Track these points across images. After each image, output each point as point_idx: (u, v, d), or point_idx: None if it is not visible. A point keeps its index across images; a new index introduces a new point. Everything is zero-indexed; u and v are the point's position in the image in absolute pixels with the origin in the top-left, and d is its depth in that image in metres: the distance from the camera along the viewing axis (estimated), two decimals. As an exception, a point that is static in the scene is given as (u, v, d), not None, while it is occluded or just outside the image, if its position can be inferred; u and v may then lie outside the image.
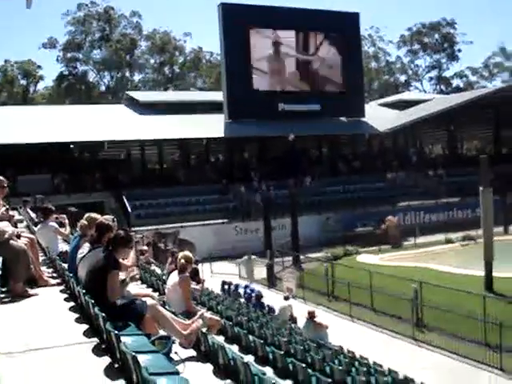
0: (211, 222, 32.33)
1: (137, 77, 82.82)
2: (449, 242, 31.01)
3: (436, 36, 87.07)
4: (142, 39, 79.91)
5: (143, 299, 6.31)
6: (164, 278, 11.52)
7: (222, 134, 38.87)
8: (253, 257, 25.73)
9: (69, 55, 75.43)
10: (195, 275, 13.72)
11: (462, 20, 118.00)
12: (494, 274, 20.63)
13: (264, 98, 39.36)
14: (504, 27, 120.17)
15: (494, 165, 32.03)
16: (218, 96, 42.78)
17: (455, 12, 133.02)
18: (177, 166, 44.19)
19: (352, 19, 44.60)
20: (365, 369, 9.75)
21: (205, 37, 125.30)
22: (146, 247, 17.92)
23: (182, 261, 8.36)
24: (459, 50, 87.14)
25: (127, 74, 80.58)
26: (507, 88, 46.15)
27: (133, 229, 27.05)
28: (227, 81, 40.14)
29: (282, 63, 41.25)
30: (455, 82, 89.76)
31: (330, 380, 6.87)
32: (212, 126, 38.35)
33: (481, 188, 22.32)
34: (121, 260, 6.44)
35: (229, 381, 5.48)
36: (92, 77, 79.13)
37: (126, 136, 36.80)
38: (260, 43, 40.67)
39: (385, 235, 32.19)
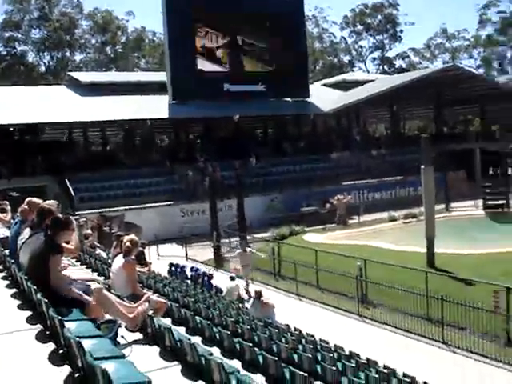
0: (157, 204, 32.05)
1: (78, 57, 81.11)
2: (392, 219, 31.59)
3: (379, 17, 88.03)
4: (83, 18, 78.12)
5: (87, 283, 6.24)
6: (109, 261, 11.39)
7: (166, 115, 38.50)
8: (248, 249, 22.24)
9: (6, 35, 73.07)
10: (141, 258, 13.67)
11: (404, 1, 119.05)
12: (436, 250, 21.14)
13: (208, 78, 39.06)
14: (446, 8, 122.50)
15: (436, 144, 32.80)
16: (162, 76, 42.25)
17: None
18: (121, 148, 43.56)
19: (296, 0, 44.60)
20: (311, 346, 9.90)
21: (148, 16, 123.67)
22: (90, 231, 17.61)
23: (128, 244, 8.27)
24: (401, 31, 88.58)
25: (68, 54, 78.64)
26: (448, 68, 47.15)
27: (77, 212, 26.62)
28: (171, 61, 39.61)
29: (226, 44, 40.98)
30: (398, 63, 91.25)
31: (276, 358, 6.95)
32: (156, 107, 37.82)
33: (422, 167, 22.76)
34: (64, 244, 6.34)
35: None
36: (31, 57, 77.08)
37: (68, 118, 35.74)
38: (203, 23, 40.22)
39: (331, 214, 32.55)
